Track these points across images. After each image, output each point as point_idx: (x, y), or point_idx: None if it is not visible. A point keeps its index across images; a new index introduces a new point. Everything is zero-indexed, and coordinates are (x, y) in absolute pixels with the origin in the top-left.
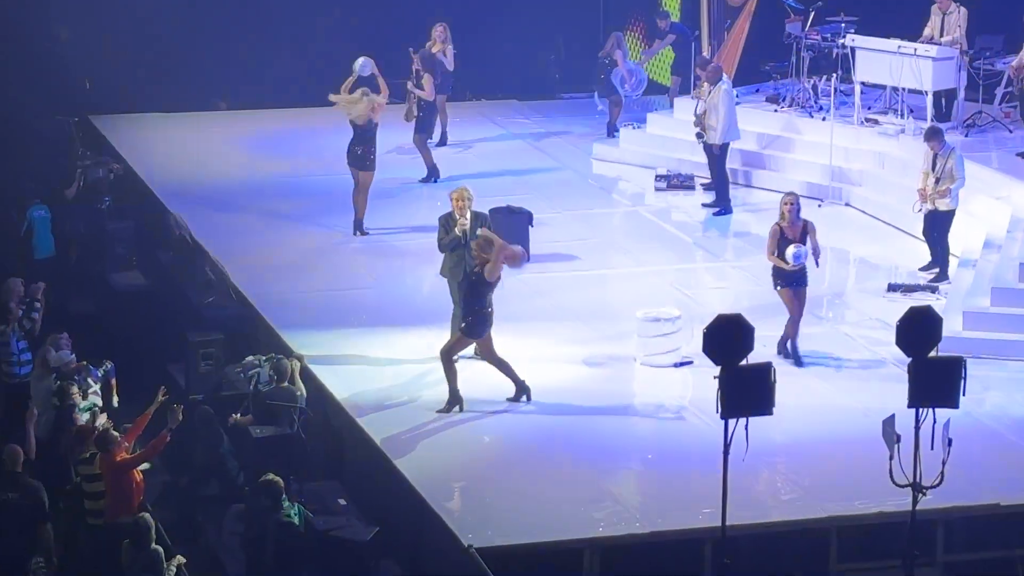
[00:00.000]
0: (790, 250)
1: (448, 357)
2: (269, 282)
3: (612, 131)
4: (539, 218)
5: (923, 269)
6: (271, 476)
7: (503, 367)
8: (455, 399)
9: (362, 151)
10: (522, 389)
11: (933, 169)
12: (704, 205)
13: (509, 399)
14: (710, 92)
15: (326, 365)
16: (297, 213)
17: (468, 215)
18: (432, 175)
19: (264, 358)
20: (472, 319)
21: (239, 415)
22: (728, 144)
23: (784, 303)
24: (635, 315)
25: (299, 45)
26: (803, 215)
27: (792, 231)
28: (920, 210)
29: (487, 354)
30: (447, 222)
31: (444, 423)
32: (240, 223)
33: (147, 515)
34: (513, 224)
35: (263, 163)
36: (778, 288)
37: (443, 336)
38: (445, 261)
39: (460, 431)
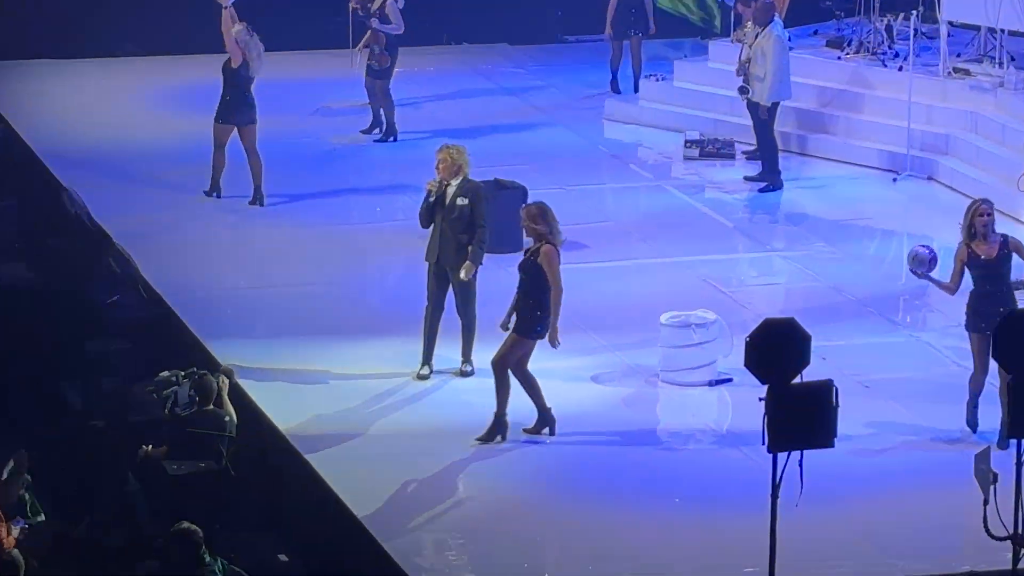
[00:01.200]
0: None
1: (508, 368)
2: (188, 276)
3: (616, 83)
4: (536, 195)
5: None
6: (189, 524)
7: (531, 386)
8: (502, 426)
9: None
10: (546, 420)
11: None
12: (747, 179)
13: (527, 431)
14: (757, 35)
15: (263, 382)
16: (223, 186)
17: (458, 180)
18: (391, 133)
19: (183, 374)
20: (541, 313)
21: (151, 446)
22: (779, 103)
23: (973, 353)
24: (658, 320)
25: None
26: (876, 189)
27: (988, 250)
28: None
29: (520, 364)
30: (428, 191)
31: (415, 458)
32: (152, 199)
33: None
34: (503, 203)
35: (178, 122)
36: (973, 333)
37: (413, 345)
38: (430, 239)
39: (437, 469)
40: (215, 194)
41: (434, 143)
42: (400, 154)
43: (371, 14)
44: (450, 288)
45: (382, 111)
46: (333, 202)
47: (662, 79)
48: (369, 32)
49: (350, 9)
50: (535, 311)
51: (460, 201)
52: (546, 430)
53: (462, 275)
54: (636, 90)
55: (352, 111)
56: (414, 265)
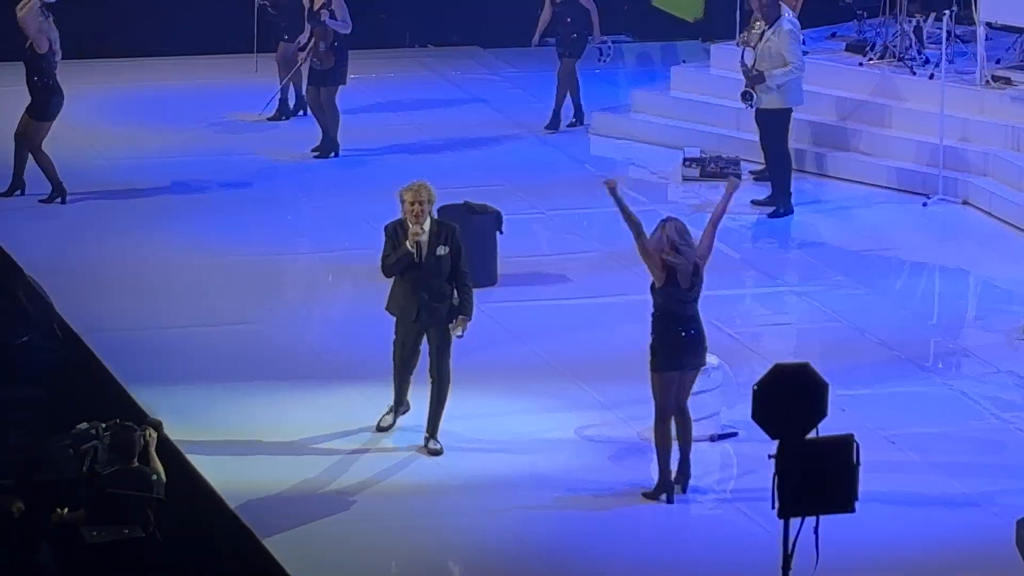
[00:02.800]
0: None
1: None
2: (110, 313)
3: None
4: (512, 220)
5: None
6: None
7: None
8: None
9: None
10: (665, 485)
11: None
12: (755, 203)
13: (646, 494)
14: (765, 34)
15: (196, 436)
16: (146, 210)
17: (427, 224)
18: (332, 148)
19: (104, 426)
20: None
21: (66, 509)
22: (791, 111)
23: None
24: None
25: None
26: (903, 214)
27: None
28: None
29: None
30: (395, 233)
31: (365, 522)
32: (68, 224)
33: None
34: (475, 228)
35: (97, 136)
36: None
37: (375, 395)
38: (393, 290)
39: (393, 533)
40: (59, 198)
41: (395, 161)
42: (347, 171)
43: (317, 9)
44: (424, 340)
45: (327, 122)
46: (268, 229)
47: (607, 56)
48: (312, 31)
49: (256, 5)
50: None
51: (440, 252)
52: (664, 495)
53: (458, 333)
54: (581, 121)
55: (265, 126)
56: (362, 299)
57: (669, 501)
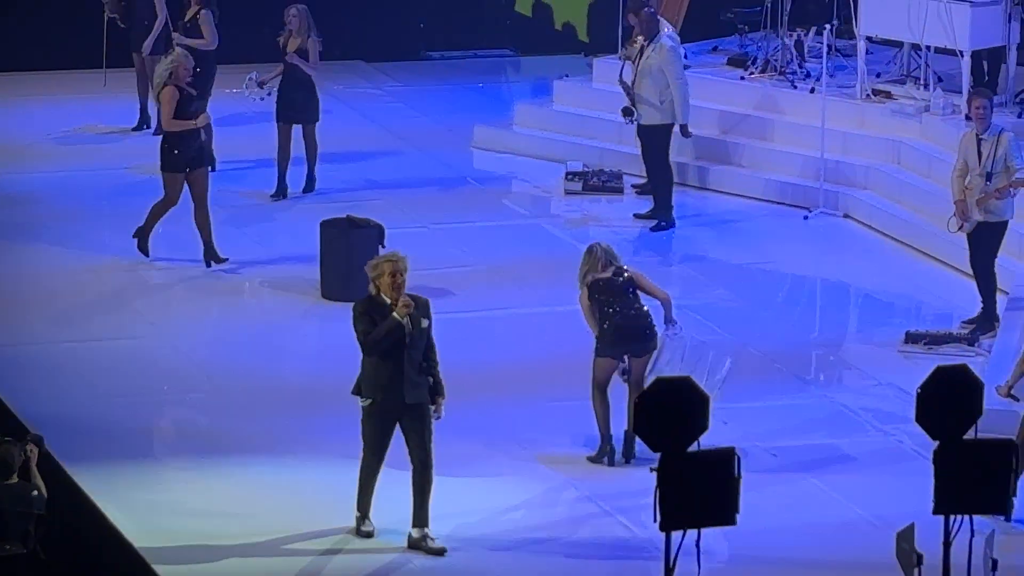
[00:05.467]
0: None
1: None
2: None
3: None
4: (393, 234)
5: (971, 321)
6: None
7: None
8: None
9: None
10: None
11: (979, 160)
12: (637, 216)
13: (590, 458)
14: (645, 51)
15: (79, 452)
16: (17, 223)
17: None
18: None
19: None
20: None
21: None
22: (672, 126)
23: None
24: (535, 382)
25: None
26: (784, 227)
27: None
28: (962, 229)
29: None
30: (369, 310)
31: (277, 551)
32: None
33: None
34: (356, 243)
35: None
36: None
37: (264, 407)
38: (367, 371)
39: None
40: None
41: (275, 173)
42: (224, 185)
43: (183, 24)
44: (395, 429)
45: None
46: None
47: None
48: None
49: (105, 19)
50: None
51: (424, 323)
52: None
53: (439, 414)
54: (310, 188)
55: (128, 137)
56: (241, 312)
57: (610, 464)
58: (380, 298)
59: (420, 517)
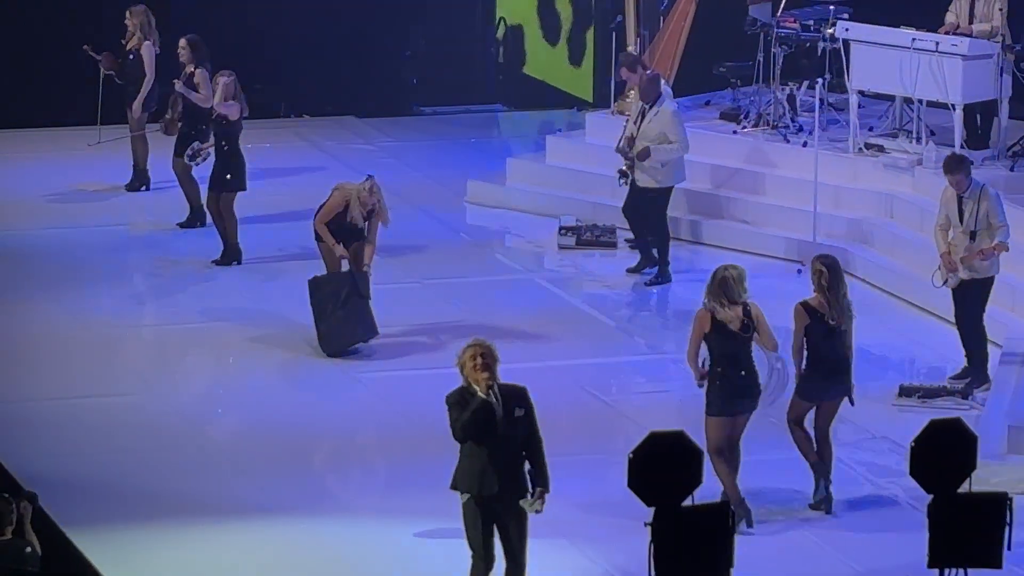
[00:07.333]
0: None
1: None
2: None
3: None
4: (387, 289)
5: (958, 378)
6: None
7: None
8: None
9: None
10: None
11: (961, 219)
12: (631, 271)
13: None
14: (647, 114)
15: (75, 510)
16: (14, 277)
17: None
18: (198, 218)
19: None
20: None
21: None
22: (672, 189)
23: None
24: None
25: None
26: (778, 282)
27: None
28: (947, 283)
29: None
30: (461, 398)
31: None
32: None
33: None
34: (343, 298)
35: None
36: None
37: (252, 468)
38: (462, 463)
39: None
40: None
41: (268, 231)
42: (217, 242)
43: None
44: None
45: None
46: (132, 301)
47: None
48: (172, 97)
49: (101, 75)
50: None
51: (517, 412)
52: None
53: (537, 508)
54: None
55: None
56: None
57: (749, 525)
58: (471, 388)
59: None
